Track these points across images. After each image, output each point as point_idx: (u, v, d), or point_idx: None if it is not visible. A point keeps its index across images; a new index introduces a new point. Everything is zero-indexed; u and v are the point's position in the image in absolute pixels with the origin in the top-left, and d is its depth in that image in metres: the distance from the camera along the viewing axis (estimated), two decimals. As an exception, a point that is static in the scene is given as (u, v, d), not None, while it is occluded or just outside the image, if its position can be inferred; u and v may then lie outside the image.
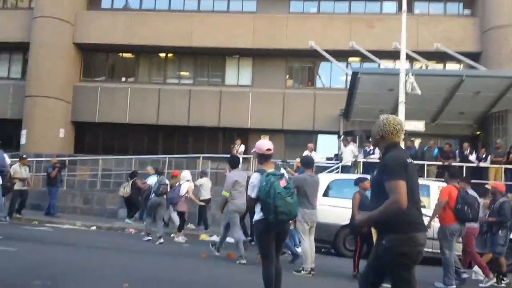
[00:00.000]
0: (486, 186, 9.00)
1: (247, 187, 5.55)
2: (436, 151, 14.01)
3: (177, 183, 11.19)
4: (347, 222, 8.43)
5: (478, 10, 18.17)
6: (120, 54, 20.98)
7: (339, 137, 17.88)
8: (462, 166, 13.05)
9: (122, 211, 14.65)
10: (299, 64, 20.18)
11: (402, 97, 12.63)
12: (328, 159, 16.04)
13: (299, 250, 8.08)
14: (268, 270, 4.76)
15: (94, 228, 12.55)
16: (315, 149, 15.95)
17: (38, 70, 18.83)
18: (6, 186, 11.22)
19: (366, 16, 18.91)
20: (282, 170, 5.18)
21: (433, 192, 9.54)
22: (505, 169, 13.05)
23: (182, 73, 20.70)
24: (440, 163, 13.54)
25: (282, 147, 18.51)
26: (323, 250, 10.48)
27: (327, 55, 17.08)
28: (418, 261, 3.43)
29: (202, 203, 12.41)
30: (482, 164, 13.46)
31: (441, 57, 17.81)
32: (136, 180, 13.64)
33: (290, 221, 5.25)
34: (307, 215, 7.24)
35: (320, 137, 18.83)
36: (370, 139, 14.38)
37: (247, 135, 18.46)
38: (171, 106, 19.17)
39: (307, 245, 7.23)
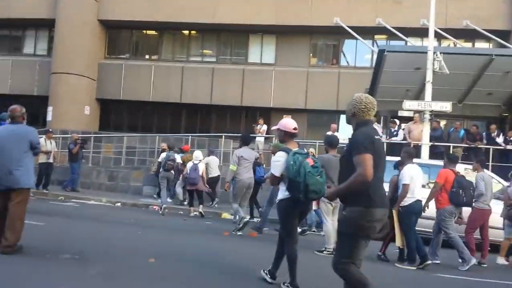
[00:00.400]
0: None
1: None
2: (462, 132, 13.71)
3: (192, 162, 11.45)
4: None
5: (510, -14, 17.49)
6: (144, 31, 21.00)
7: (363, 117, 17.68)
8: (489, 149, 12.76)
9: (146, 188, 14.89)
10: (323, 41, 19.85)
11: (429, 76, 12.37)
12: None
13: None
14: (292, 248, 4.81)
15: (119, 204, 12.81)
16: (337, 129, 15.82)
17: (63, 47, 19.02)
18: None
19: (393, -8, 18.39)
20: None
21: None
22: (534, 151, 12.74)
23: (205, 51, 20.63)
24: (467, 145, 13.28)
25: (304, 127, 18.41)
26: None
27: (352, 32, 16.72)
28: (370, 236, 3.59)
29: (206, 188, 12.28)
30: (509, 147, 13.15)
31: (470, 35, 17.27)
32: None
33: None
34: (331, 195, 7.20)
35: (343, 117, 18.58)
36: (395, 120, 14.27)
37: (269, 114, 18.41)
38: (194, 84, 19.20)
39: (330, 226, 7.23)
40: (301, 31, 18.80)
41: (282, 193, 4.84)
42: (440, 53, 12.38)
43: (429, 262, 6.88)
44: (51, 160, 13.30)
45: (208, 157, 12.91)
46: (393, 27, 16.64)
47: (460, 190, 7.15)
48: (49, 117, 18.81)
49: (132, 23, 19.85)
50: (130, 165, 16.51)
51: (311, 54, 19.53)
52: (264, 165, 11.54)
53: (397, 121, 14.22)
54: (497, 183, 9.32)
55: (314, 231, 9.80)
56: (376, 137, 3.62)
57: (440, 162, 8.81)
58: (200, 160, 11.59)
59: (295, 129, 5.01)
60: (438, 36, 15.67)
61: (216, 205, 12.98)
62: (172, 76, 19.49)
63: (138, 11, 19.29)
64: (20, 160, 5.46)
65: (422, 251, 6.94)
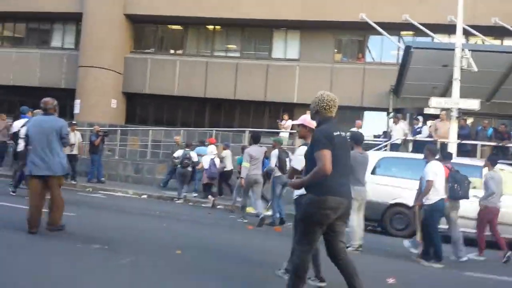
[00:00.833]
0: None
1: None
2: (490, 131, 13.51)
3: (210, 158, 12.30)
4: (395, 200, 8.35)
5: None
6: (169, 26, 21.19)
7: (388, 114, 17.53)
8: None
9: (171, 181, 15.08)
10: (348, 37, 19.68)
11: (457, 74, 12.20)
12: (375, 136, 15.79)
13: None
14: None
15: (145, 196, 13.03)
16: (362, 126, 15.73)
17: (90, 40, 19.33)
18: None
19: (420, -12, 18.12)
20: None
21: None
22: None
23: (229, 46, 20.72)
24: (495, 143, 13.06)
25: (329, 123, 18.34)
26: (369, 228, 10.45)
27: (378, 28, 16.55)
28: (324, 224, 3.81)
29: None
30: (539, 146, 12.90)
31: (498, 32, 16.87)
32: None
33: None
34: (357, 192, 7.20)
35: (368, 113, 18.51)
36: (419, 117, 14.12)
37: (293, 110, 18.40)
38: (218, 79, 19.31)
39: (355, 222, 7.21)
40: (326, 26, 18.69)
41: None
42: (468, 50, 12.19)
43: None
44: (75, 152, 13.55)
45: (224, 151, 13.28)
46: (420, 23, 16.42)
47: (456, 185, 7.35)
48: (76, 110, 19.18)
49: (157, 18, 20.04)
50: (155, 158, 16.76)
51: (335, 50, 19.41)
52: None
53: (420, 118, 14.08)
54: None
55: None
56: (336, 133, 3.85)
57: (471, 161, 8.76)
58: (215, 155, 12.34)
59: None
60: (466, 33, 15.38)
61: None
62: (197, 70, 19.65)
63: (163, 6, 19.44)
64: (52, 149, 5.94)
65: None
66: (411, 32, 17.90)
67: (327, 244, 3.98)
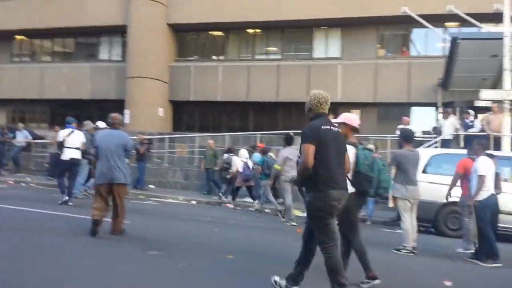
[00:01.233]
0: None
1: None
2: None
3: (244, 161, 12.89)
4: (448, 199, 8.12)
5: None
6: (210, 32, 21.52)
7: (436, 109, 17.04)
8: None
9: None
10: (391, 32, 19.29)
11: (507, 64, 11.76)
12: (424, 133, 15.38)
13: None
14: (359, 240, 4.94)
15: (194, 202, 13.33)
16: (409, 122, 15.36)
17: (136, 51, 19.93)
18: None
19: (464, -24, 17.51)
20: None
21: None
22: None
23: (269, 48, 20.81)
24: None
25: (374, 121, 18.06)
26: (421, 228, 10.22)
27: (422, 21, 16.11)
28: (333, 214, 4.05)
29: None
30: None
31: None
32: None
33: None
34: (409, 192, 7.07)
35: (415, 109, 18.03)
36: (469, 110, 13.63)
37: (336, 109, 18.18)
38: (260, 82, 19.43)
39: (408, 223, 7.04)
40: (367, 22, 18.43)
41: None
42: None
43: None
44: None
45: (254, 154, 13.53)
46: (465, 13, 15.86)
47: None
48: (126, 120, 19.79)
49: (198, 25, 20.42)
50: (202, 164, 17.03)
51: (378, 46, 19.07)
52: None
53: (471, 112, 13.58)
54: None
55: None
56: (325, 127, 4.07)
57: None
58: (247, 158, 12.85)
59: (359, 124, 5.12)
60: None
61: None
62: (238, 75, 19.86)
63: (205, 13, 19.80)
64: (118, 160, 6.60)
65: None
66: (456, 23, 17.34)
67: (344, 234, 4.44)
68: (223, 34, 21.24)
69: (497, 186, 7.30)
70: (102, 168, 6.57)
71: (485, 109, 13.14)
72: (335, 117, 14.83)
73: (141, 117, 19.30)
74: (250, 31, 20.84)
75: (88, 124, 12.01)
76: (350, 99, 18.09)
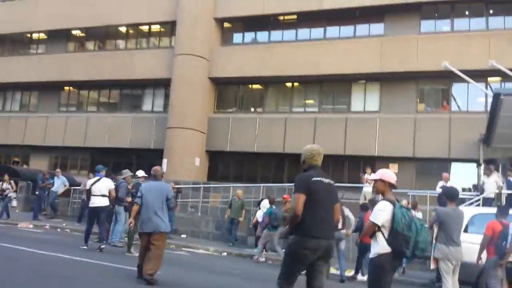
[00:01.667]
0: None
1: None
2: None
3: (262, 212, 13.29)
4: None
5: None
6: (250, 85, 21.99)
7: (478, 165, 16.40)
8: None
9: (250, 238, 15.08)
10: (431, 86, 19.07)
11: (553, 121, 11.22)
12: (463, 190, 14.75)
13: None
14: None
15: (225, 254, 13.11)
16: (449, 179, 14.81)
17: (178, 103, 20.57)
18: None
19: (506, 32, 17.32)
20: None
21: None
22: None
23: (307, 101, 20.97)
24: None
25: (413, 176, 17.56)
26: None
27: (463, 76, 15.87)
28: (303, 262, 4.27)
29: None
30: None
31: None
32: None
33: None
34: (452, 254, 6.63)
35: (455, 165, 17.42)
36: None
37: (373, 163, 17.86)
38: (297, 134, 19.43)
39: (450, 286, 6.59)
40: (406, 77, 18.35)
41: (380, 246, 4.46)
42: None
43: None
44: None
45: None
46: (508, 69, 15.54)
47: (504, 242, 7.17)
48: (164, 169, 20.12)
49: (239, 79, 20.99)
50: (236, 214, 16.87)
51: (418, 100, 18.84)
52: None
53: None
54: None
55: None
56: (316, 178, 4.33)
57: None
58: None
59: (396, 180, 4.87)
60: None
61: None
62: (275, 127, 20.00)
63: (245, 68, 20.36)
64: (159, 210, 6.91)
65: None
66: (498, 78, 16.98)
67: (308, 282, 4.40)
68: (262, 87, 21.64)
69: None
70: (145, 218, 6.93)
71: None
72: (372, 172, 14.58)
73: (179, 166, 19.58)
74: (289, 84, 21.14)
75: (127, 172, 12.28)
76: (388, 153, 17.75)
